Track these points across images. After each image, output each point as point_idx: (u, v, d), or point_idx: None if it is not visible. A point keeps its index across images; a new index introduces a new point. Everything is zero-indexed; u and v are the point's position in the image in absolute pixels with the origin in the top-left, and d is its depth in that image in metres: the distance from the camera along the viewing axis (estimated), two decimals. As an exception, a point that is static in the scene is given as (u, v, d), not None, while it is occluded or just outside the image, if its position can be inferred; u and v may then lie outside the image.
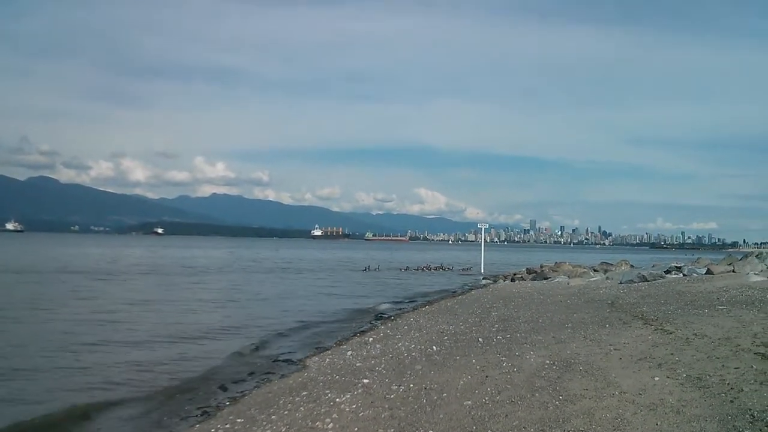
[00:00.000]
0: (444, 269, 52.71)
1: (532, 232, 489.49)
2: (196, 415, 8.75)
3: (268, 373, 11.50)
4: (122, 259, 60.32)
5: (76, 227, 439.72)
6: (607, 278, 26.65)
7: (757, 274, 20.05)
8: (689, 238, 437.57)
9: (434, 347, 11.58)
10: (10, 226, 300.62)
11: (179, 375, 11.55)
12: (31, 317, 18.65)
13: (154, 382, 11.00)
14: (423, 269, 52.55)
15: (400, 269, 52.62)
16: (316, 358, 12.37)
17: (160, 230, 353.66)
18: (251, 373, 11.61)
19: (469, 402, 7.39)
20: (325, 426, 7.23)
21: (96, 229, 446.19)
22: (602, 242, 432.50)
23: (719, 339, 9.36)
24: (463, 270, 51.19)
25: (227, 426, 7.84)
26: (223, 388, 10.51)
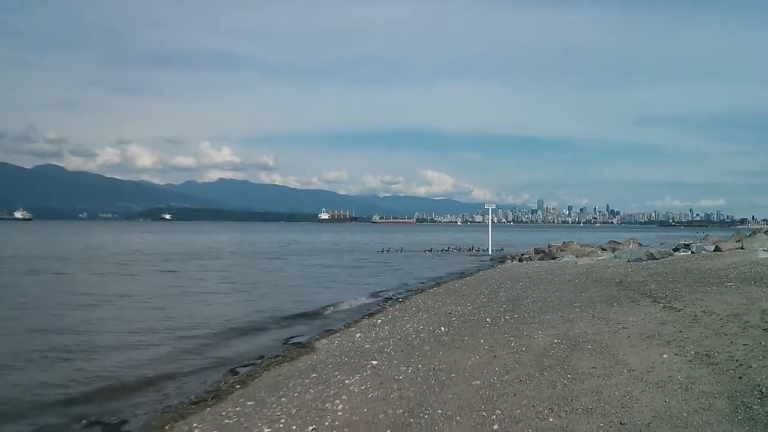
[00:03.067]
0: (474, 250, 52.05)
1: (539, 212, 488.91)
2: (207, 399, 8.84)
3: (278, 356, 11.57)
4: (132, 246, 60.73)
5: (84, 214, 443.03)
6: (615, 257, 26.60)
7: (765, 250, 19.93)
8: (697, 215, 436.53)
9: (442, 328, 11.62)
10: (18, 214, 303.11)
11: (189, 359, 11.65)
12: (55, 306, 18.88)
13: (164, 366, 11.08)
14: (453, 250, 52.31)
15: (425, 251, 52.58)
16: (324, 341, 12.44)
17: (167, 216, 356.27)
18: (261, 357, 11.69)
19: (478, 382, 7.42)
20: (334, 407, 7.28)
21: (104, 216, 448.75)
22: (610, 221, 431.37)
23: (728, 316, 9.33)
24: (497, 251, 49.14)
25: (237, 409, 7.91)
26: (233, 372, 10.59)
